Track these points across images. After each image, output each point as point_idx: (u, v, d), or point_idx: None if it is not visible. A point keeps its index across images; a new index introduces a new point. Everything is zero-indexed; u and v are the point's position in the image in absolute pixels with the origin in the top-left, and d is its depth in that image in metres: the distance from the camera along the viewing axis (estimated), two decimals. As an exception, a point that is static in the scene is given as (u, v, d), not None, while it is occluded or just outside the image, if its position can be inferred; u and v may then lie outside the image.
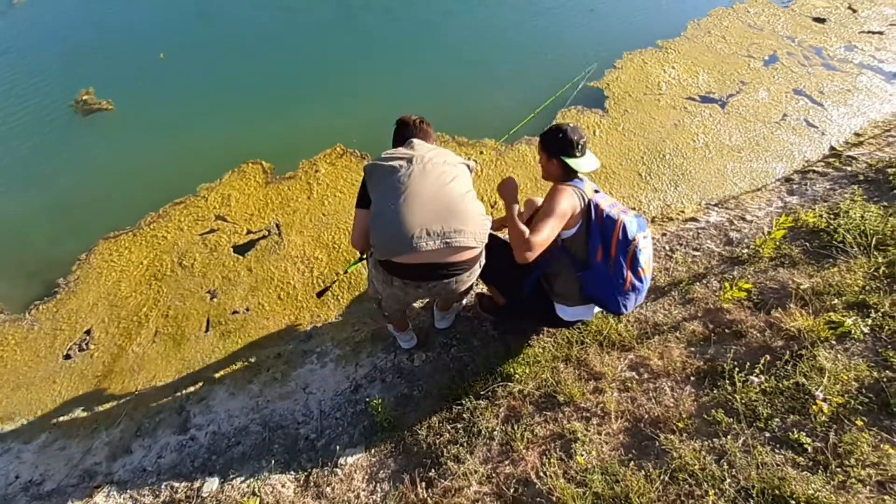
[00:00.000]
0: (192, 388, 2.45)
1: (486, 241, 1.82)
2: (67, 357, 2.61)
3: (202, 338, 2.66)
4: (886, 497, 1.51)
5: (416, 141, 1.92)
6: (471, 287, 2.13)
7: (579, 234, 1.93)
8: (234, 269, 2.93)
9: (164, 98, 4.12)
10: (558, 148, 1.94)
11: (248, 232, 3.11)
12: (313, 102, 4.09)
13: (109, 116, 3.95)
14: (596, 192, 1.99)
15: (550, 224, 1.82)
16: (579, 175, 1.99)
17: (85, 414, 2.41)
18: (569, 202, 1.87)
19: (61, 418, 2.39)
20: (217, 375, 2.50)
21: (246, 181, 3.40)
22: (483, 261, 1.91)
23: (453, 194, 1.74)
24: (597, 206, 1.90)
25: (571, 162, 1.92)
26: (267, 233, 3.11)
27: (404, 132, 2.00)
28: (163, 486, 2.06)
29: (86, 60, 4.46)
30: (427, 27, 4.99)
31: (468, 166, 1.91)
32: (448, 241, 1.69)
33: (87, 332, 2.70)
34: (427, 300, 2.64)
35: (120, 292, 2.85)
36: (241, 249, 3.03)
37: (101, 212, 3.25)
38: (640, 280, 1.89)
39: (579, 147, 1.92)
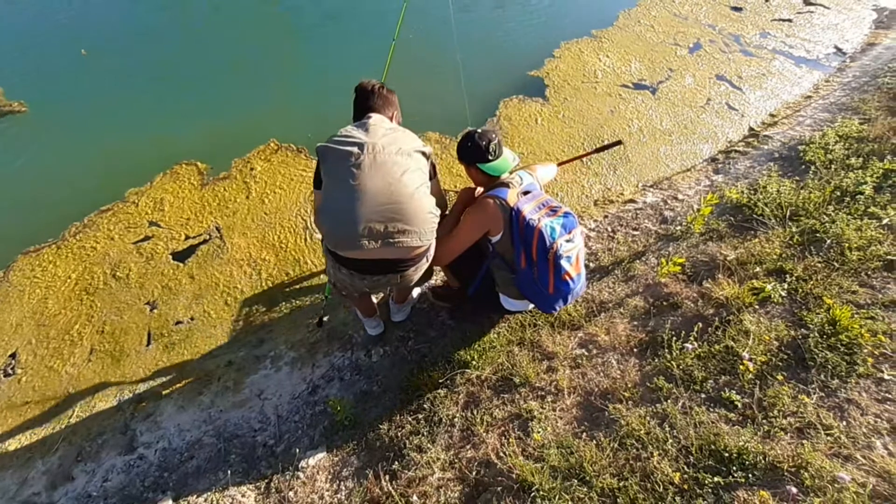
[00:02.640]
0: (136, 406, 2.32)
1: (433, 238, 1.82)
2: (-10, 385, 2.39)
3: (144, 352, 2.52)
4: (805, 441, 1.68)
5: (374, 117, 1.81)
6: (426, 277, 2.15)
7: (505, 241, 2.00)
8: (174, 278, 2.79)
9: (86, 97, 3.82)
10: (471, 156, 2.00)
11: (187, 237, 2.96)
12: (245, 98, 3.93)
13: (22, 119, 3.62)
14: (525, 192, 2.03)
15: (455, 237, 2.01)
16: (504, 179, 2.03)
17: (17, 443, 2.23)
18: (478, 217, 1.97)
19: (-12, 451, 2.20)
20: (164, 390, 2.38)
21: (179, 184, 3.23)
22: (431, 254, 1.91)
23: (403, 191, 1.67)
24: (518, 212, 1.93)
25: (486, 167, 1.98)
26: (207, 237, 2.97)
27: (364, 102, 1.89)
28: (111, 511, 1.95)
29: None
30: (362, 20, 4.91)
31: (424, 153, 1.80)
32: (391, 240, 1.68)
33: (12, 356, 2.49)
34: (382, 295, 2.63)
35: (47, 310, 2.64)
36: (180, 256, 2.88)
37: (17, 225, 2.98)
38: (566, 283, 1.95)
39: (491, 151, 1.96)
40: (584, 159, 3.55)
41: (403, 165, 1.71)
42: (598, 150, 2.75)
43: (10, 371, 2.44)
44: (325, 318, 2.57)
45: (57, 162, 3.34)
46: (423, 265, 1.89)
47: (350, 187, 1.65)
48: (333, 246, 1.75)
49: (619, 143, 2.73)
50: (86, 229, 2.97)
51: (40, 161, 3.34)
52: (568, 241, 1.94)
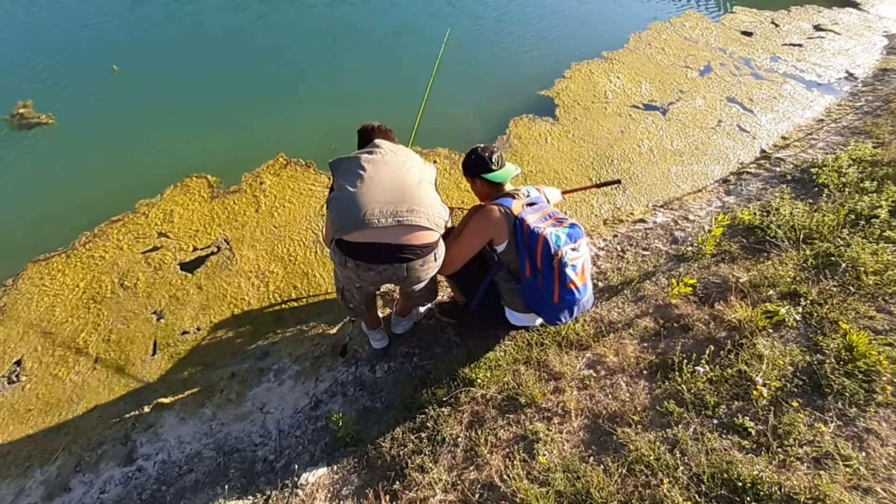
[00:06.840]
0: (138, 416, 2.30)
1: (441, 227, 1.85)
2: (-6, 391, 2.39)
3: (149, 361, 2.51)
4: (822, 472, 1.61)
5: (378, 140, 2.01)
6: (431, 288, 2.12)
7: (509, 250, 2.00)
8: (182, 288, 2.79)
9: (111, 112, 3.94)
10: (475, 168, 2.07)
11: (195, 249, 2.98)
12: (258, 114, 3.99)
13: (49, 130, 3.73)
14: (531, 204, 2.04)
15: (459, 243, 2.03)
16: (509, 190, 2.07)
17: (17, 451, 2.21)
18: (482, 222, 1.99)
19: (-12, 459, 2.18)
20: (166, 401, 2.36)
21: (190, 196, 3.26)
22: (440, 252, 1.90)
23: (409, 180, 1.83)
24: (522, 221, 1.93)
25: (490, 177, 2.04)
26: (216, 249, 2.99)
27: (367, 136, 2.10)
28: (106, 524, 1.92)
29: (28, 72, 4.24)
30: (370, 39, 5.03)
31: (430, 165, 2.01)
32: (400, 218, 1.74)
33: (18, 363, 2.49)
34: (389, 311, 2.61)
35: (54, 318, 2.65)
36: (189, 267, 2.90)
37: (29, 233, 3.02)
38: (571, 293, 1.93)
39: (494, 161, 2.04)
40: (593, 179, 3.55)
41: (410, 164, 1.91)
42: (596, 186, 2.82)
43: (15, 378, 2.44)
44: (347, 346, 2.45)
45: (74, 173, 3.41)
46: (432, 263, 1.88)
47: (360, 177, 1.80)
48: (341, 230, 1.77)
49: (617, 181, 2.83)
50: (95, 239, 3.00)
51: (59, 171, 3.41)
52: (573, 249, 1.93)
